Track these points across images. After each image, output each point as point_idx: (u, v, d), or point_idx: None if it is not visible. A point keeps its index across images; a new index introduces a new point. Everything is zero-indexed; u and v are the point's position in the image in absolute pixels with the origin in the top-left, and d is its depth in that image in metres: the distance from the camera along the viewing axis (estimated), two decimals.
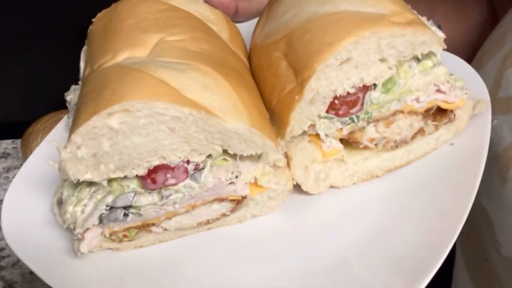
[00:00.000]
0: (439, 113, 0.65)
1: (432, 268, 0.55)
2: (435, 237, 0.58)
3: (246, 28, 0.79)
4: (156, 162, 0.57)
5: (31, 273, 0.89)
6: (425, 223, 0.60)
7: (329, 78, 0.58)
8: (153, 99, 0.52)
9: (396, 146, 0.65)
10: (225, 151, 0.58)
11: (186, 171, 0.58)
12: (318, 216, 0.65)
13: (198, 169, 0.59)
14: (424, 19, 0.67)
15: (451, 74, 0.65)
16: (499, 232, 0.69)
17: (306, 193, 0.66)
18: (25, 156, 1.04)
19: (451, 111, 0.65)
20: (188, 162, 0.58)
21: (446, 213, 0.60)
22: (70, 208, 0.60)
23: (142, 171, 0.57)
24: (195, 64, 0.57)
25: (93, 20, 0.71)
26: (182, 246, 0.65)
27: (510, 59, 0.71)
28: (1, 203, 1.03)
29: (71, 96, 0.74)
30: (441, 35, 0.66)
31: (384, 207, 0.64)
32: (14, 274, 0.90)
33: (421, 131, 0.66)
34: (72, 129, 0.55)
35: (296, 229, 0.65)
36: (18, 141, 1.16)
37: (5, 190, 1.07)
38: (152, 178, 0.58)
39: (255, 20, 0.83)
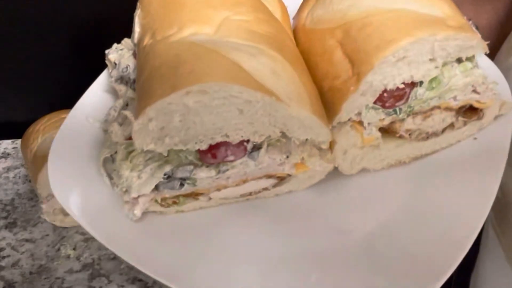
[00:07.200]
0: (470, 110, 0.70)
1: (460, 252, 0.58)
2: (462, 222, 0.62)
3: None
4: (219, 139, 0.59)
5: (31, 273, 0.90)
6: (447, 209, 0.65)
7: (384, 73, 0.62)
8: (230, 82, 0.55)
9: (427, 138, 0.70)
10: (281, 133, 0.62)
11: (245, 149, 0.61)
12: (348, 194, 0.70)
13: (255, 148, 0.62)
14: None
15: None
16: None
17: (338, 171, 0.71)
18: (25, 156, 1.02)
19: (481, 110, 0.71)
20: (248, 141, 0.61)
21: (469, 202, 0.64)
22: (126, 173, 0.62)
23: (204, 146, 0.60)
24: (264, 49, 0.59)
25: None
26: (219, 214, 0.68)
27: None
28: (1, 203, 1.03)
29: (114, 55, 0.75)
30: (478, 36, 0.71)
31: (408, 191, 0.69)
32: (14, 274, 0.90)
33: (451, 126, 0.71)
34: (143, 101, 0.57)
35: (325, 205, 0.69)
36: (18, 141, 1.14)
37: (5, 190, 1.08)
38: (213, 153, 0.61)
39: None
